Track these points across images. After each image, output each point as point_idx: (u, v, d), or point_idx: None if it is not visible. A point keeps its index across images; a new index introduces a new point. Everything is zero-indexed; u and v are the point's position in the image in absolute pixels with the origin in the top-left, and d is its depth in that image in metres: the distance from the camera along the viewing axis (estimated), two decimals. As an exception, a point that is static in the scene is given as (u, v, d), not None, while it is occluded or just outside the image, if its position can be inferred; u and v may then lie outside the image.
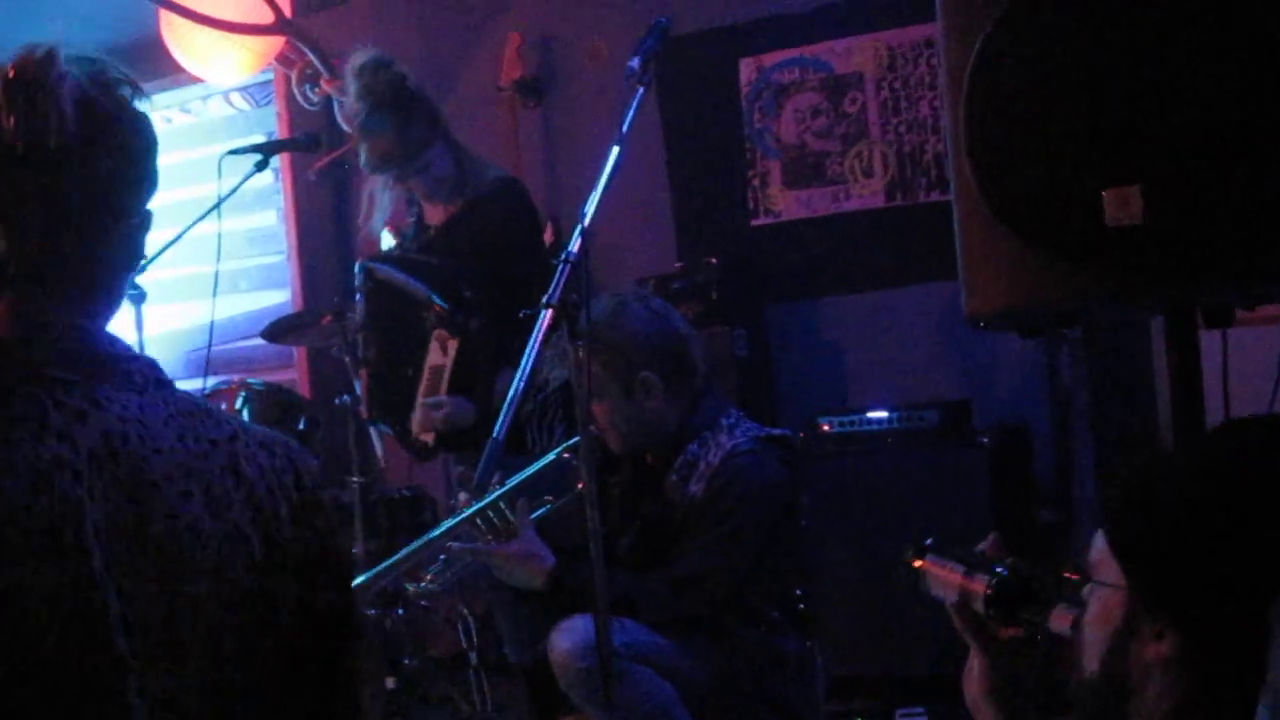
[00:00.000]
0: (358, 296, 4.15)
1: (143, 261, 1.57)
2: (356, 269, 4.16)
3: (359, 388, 4.18)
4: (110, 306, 1.52)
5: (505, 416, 2.30)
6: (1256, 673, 1.35)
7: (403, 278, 4.06)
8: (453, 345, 3.95)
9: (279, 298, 6.28)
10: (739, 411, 3.41)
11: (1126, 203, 2.01)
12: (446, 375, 3.92)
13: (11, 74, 1.44)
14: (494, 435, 2.26)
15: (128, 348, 1.49)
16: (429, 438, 3.94)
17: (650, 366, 3.29)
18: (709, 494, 3.20)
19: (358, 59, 3.98)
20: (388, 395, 4.05)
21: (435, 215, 4.23)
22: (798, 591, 3.44)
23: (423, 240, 4.22)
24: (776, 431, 3.39)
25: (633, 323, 3.31)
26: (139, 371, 1.47)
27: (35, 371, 1.40)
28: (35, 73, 1.45)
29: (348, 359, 4.28)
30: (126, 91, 1.53)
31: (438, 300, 3.93)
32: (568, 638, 3.04)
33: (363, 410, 4.10)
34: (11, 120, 1.41)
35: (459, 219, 4.17)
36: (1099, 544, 1.56)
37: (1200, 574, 1.45)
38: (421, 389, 3.95)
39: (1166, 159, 1.99)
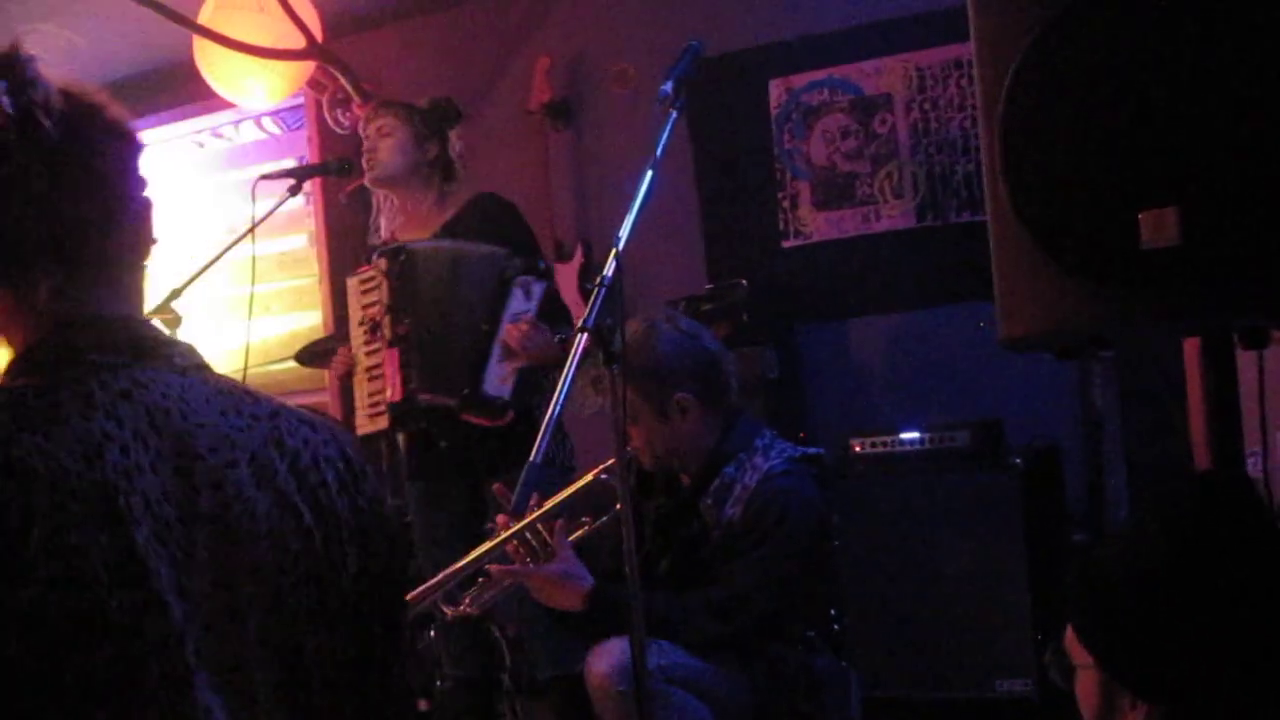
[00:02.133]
0: (374, 285, 4.15)
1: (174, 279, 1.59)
2: (375, 257, 4.15)
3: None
4: (138, 293, 1.54)
5: (543, 439, 2.30)
6: None
7: (456, 244, 4.11)
8: (538, 288, 4.00)
9: (311, 320, 6.32)
10: (772, 432, 3.41)
11: (1163, 225, 2.01)
12: (533, 318, 3.96)
13: None
14: (531, 459, 2.27)
15: (167, 334, 1.52)
16: (506, 389, 3.93)
17: (684, 387, 3.30)
18: (747, 517, 3.21)
19: None
20: (438, 362, 4.01)
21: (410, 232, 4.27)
22: (832, 612, 3.44)
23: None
24: (811, 451, 3.39)
25: (663, 345, 3.33)
26: (179, 354, 1.49)
27: (79, 356, 1.42)
28: (12, 62, 1.46)
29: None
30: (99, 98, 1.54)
31: (521, 258, 4.01)
32: (604, 660, 3.04)
33: (392, 396, 4.05)
34: (9, 105, 1.43)
35: (456, 220, 4.22)
36: (1070, 631, 1.65)
37: (1156, 643, 1.55)
38: (502, 333, 3.95)
39: (1203, 181, 1.99)
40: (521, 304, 3.98)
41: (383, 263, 4.11)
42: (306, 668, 1.46)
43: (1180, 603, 1.53)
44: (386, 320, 4.07)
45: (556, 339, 3.94)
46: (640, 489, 3.22)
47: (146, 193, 1.55)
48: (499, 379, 3.95)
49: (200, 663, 1.36)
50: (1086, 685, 1.61)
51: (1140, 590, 1.56)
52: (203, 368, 1.52)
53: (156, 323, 1.54)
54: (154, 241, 1.56)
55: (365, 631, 1.52)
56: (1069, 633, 1.64)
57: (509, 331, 3.94)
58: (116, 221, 1.50)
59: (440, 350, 4.02)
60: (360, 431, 4.12)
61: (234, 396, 1.51)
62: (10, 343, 1.47)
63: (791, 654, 3.26)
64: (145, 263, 1.55)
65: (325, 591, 1.48)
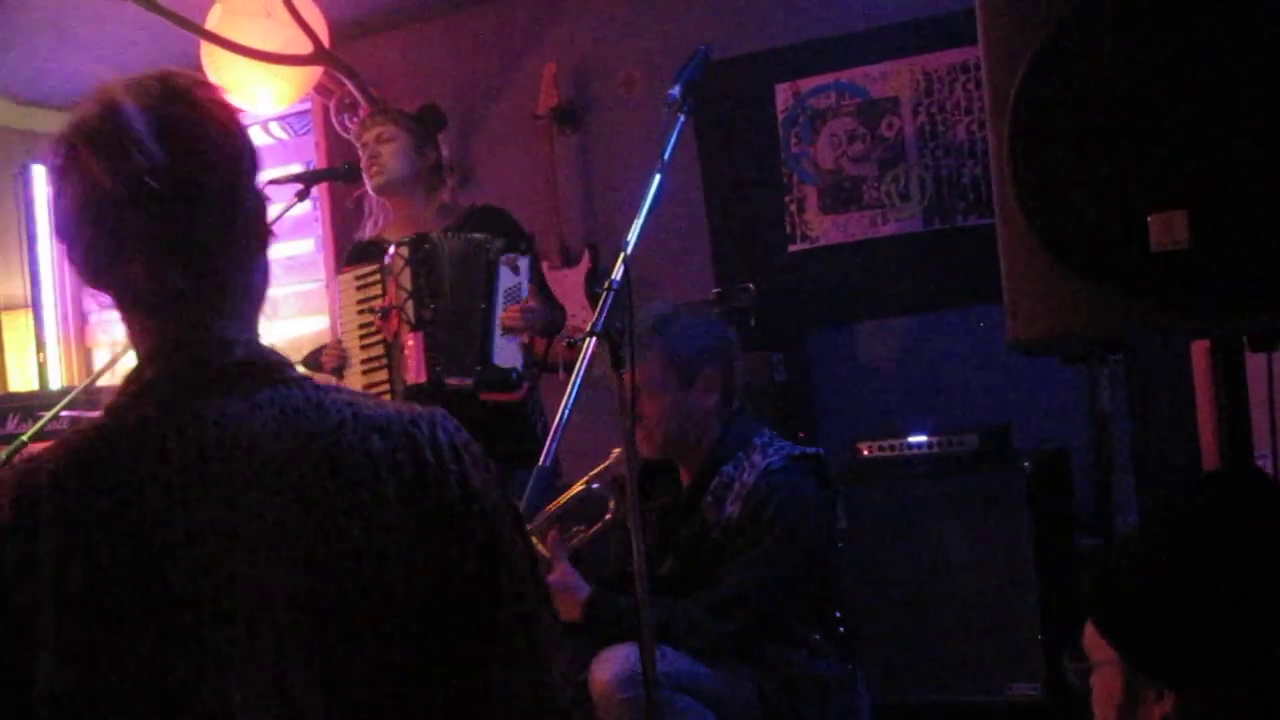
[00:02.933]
0: (374, 279, 4.24)
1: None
2: (393, 250, 4.20)
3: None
4: (247, 300, 1.58)
5: (552, 443, 2.30)
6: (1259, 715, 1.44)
7: (462, 234, 4.21)
8: (524, 263, 4.15)
9: (317, 324, 6.32)
10: (771, 431, 3.42)
11: (1172, 228, 2.01)
12: (525, 289, 4.14)
13: (79, 130, 1.50)
14: (541, 462, 2.27)
15: (251, 351, 1.54)
16: (516, 360, 4.07)
17: (713, 364, 3.35)
18: (745, 513, 3.21)
19: None
20: (455, 345, 4.11)
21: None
22: (837, 614, 3.43)
23: None
24: (810, 450, 3.39)
25: (695, 322, 3.42)
26: (254, 376, 1.52)
27: (148, 389, 1.49)
28: (100, 122, 1.50)
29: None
30: (200, 94, 1.57)
31: (504, 222, 4.24)
32: (608, 668, 3.03)
33: (415, 377, 4.11)
34: (100, 170, 1.47)
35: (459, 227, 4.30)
36: (1089, 628, 1.64)
37: (1180, 630, 1.54)
38: (499, 310, 4.10)
39: (1212, 184, 1.99)
40: (511, 279, 4.12)
41: (405, 250, 4.17)
42: (362, 687, 1.45)
43: (1202, 588, 1.53)
44: (410, 305, 4.13)
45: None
46: (640, 492, 3.22)
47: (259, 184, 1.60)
48: (506, 352, 4.08)
49: (246, 692, 1.39)
50: (1107, 681, 1.60)
51: (1161, 578, 1.56)
52: (279, 383, 1.53)
53: (260, 339, 1.58)
54: (268, 236, 1.60)
55: (452, 636, 1.51)
56: (1088, 630, 1.63)
57: (508, 311, 4.07)
58: (226, 239, 1.54)
59: (457, 334, 4.11)
60: None
61: (298, 415, 1.51)
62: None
63: (796, 657, 3.25)
64: (256, 264, 1.59)
65: (382, 606, 1.47)
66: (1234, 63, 1.98)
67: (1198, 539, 1.56)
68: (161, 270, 1.50)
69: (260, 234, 1.59)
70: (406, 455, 1.52)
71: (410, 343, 4.12)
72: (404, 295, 4.14)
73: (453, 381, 4.06)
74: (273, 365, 1.55)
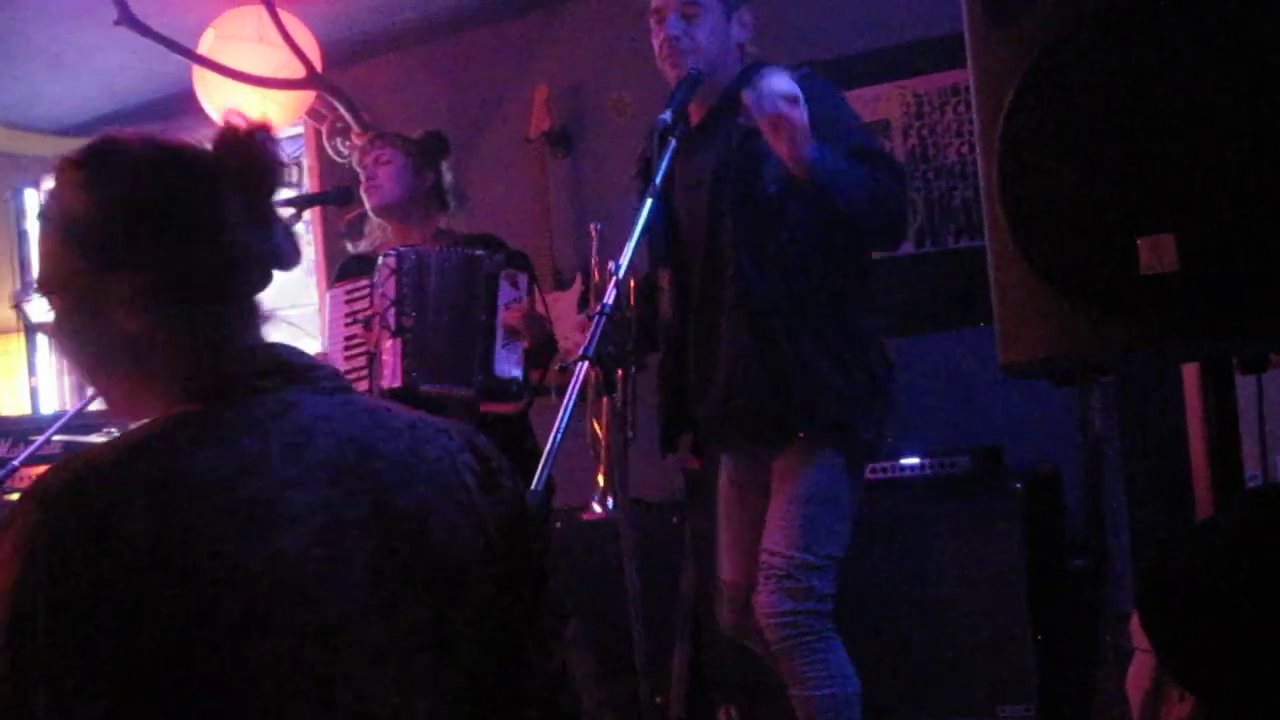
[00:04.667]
0: (364, 294, 4.25)
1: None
2: (381, 259, 4.21)
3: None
4: (260, 318, 1.70)
5: (544, 468, 2.30)
6: None
7: (455, 250, 4.23)
8: (523, 278, 4.16)
9: (309, 348, 6.31)
10: None
11: (1161, 251, 2.02)
12: (525, 303, 4.13)
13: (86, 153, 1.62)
14: (533, 486, 2.27)
15: (310, 357, 1.68)
16: (518, 370, 4.08)
17: (747, 2, 3.44)
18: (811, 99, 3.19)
19: None
20: (446, 355, 4.12)
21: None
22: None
23: None
24: None
25: None
26: (325, 378, 1.65)
27: (235, 382, 1.59)
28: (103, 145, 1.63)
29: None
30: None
31: (499, 249, 4.21)
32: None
33: (390, 382, 4.11)
34: (119, 184, 1.60)
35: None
36: (1134, 615, 1.68)
37: (1212, 643, 1.57)
38: (501, 321, 4.10)
39: (1201, 206, 2.00)
40: (511, 293, 4.12)
41: (392, 260, 4.18)
42: (456, 654, 1.57)
43: (1242, 608, 1.55)
44: (391, 313, 4.13)
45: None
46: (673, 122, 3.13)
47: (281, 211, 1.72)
48: (508, 362, 4.08)
49: (353, 653, 1.49)
50: (1142, 669, 1.66)
51: (1205, 589, 1.59)
52: (346, 389, 1.68)
53: (300, 346, 1.69)
54: (296, 259, 1.72)
55: (509, 620, 1.63)
56: (1134, 617, 1.67)
57: (508, 315, 4.08)
58: (238, 260, 1.64)
59: (452, 345, 4.12)
60: None
61: (375, 413, 1.66)
62: (165, 377, 1.60)
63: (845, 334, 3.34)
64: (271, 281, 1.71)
65: (473, 584, 1.60)
66: (1221, 85, 1.99)
67: (1249, 560, 1.58)
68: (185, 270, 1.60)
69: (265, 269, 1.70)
70: (469, 456, 1.67)
71: (388, 346, 4.13)
72: (386, 303, 4.16)
73: (432, 389, 4.06)
74: (330, 371, 1.69)
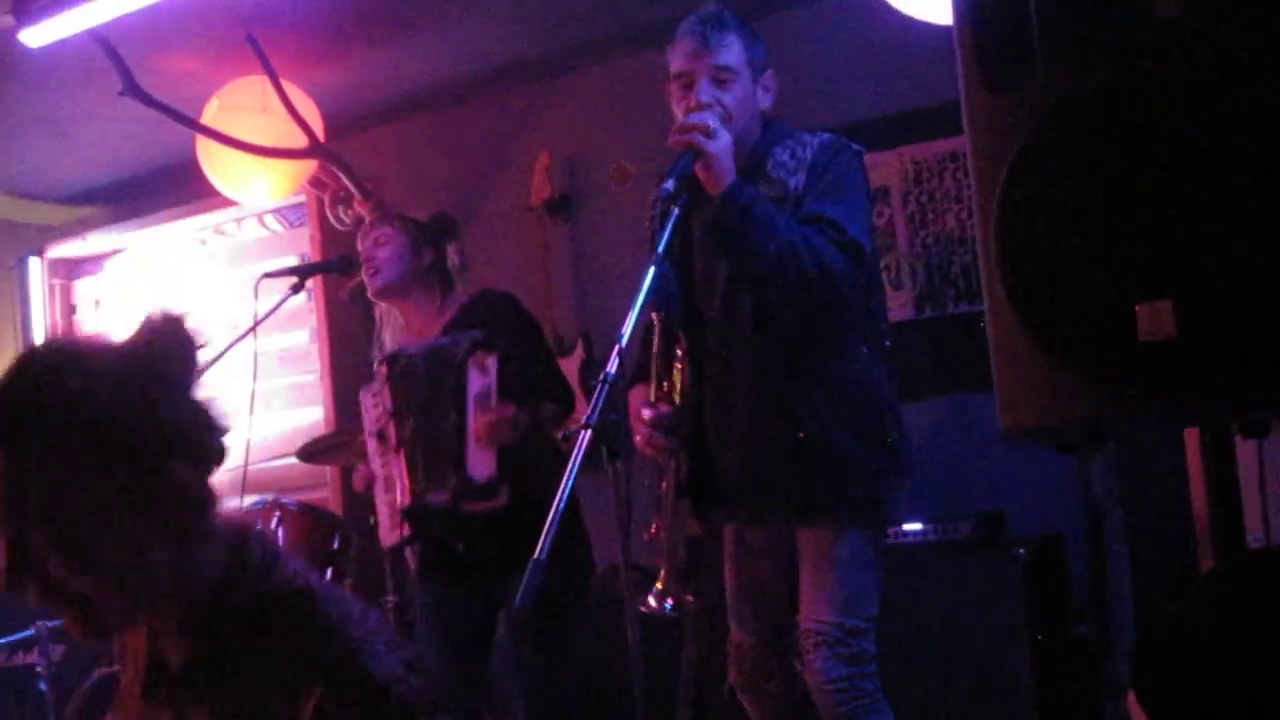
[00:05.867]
0: (375, 393, 4.20)
1: None
2: (376, 364, 4.21)
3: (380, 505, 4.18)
4: None
5: (548, 535, 2.30)
6: None
7: (429, 343, 4.15)
8: (491, 361, 4.00)
9: (312, 416, 6.33)
10: None
11: (1159, 318, 2.02)
12: (494, 390, 3.98)
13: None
14: (536, 556, 2.26)
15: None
16: (490, 469, 3.96)
17: (769, 67, 3.43)
18: (813, 175, 3.28)
19: None
20: (432, 460, 4.03)
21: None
22: (882, 326, 3.49)
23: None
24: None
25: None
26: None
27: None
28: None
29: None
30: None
31: (465, 335, 4.05)
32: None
33: (403, 501, 4.06)
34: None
35: (457, 320, 4.25)
36: (1130, 691, 1.70)
37: (1202, 716, 1.60)
38: (472, 417, 3.98)
39: (1198, 273, 2.01)
40: (479, 382, 3.99)
41: (383, 370, 4.16)
42: None
43: (1232, 678, 1.56)
44: (391, 426, 4.10)
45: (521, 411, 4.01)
46: (689, 200, 3.15)
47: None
48: (480, 462, 3.96)
49: None
50: None
51: (1194, 661, 1.60)
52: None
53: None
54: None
55: None
56: (1131, 693, 1.68)
57: (476, 425, 3.97)
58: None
59: (433, 448, 4.04)
60: (386, 544, 4.15)
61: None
62: (184, 581, 1.69)
63: (847, 368, 3.34)
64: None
65: None
66: (1216, 154, 2.01)
67: (1230, 626, 1.59)
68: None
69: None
70: None
71: (394, 462, 4.10)
72: (387, 416, 4.13)
73: (431, 498, 4.01)
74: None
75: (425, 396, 4.07)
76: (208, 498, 1.70)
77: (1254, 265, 1.97)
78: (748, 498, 3.38)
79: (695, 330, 3.39)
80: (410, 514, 4.01)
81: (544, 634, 3.98)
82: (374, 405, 4.22)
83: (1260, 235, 1.98)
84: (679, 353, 3.36)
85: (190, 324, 1.72)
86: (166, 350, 1.69)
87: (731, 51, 3.32)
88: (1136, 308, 2.04)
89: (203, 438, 1.70)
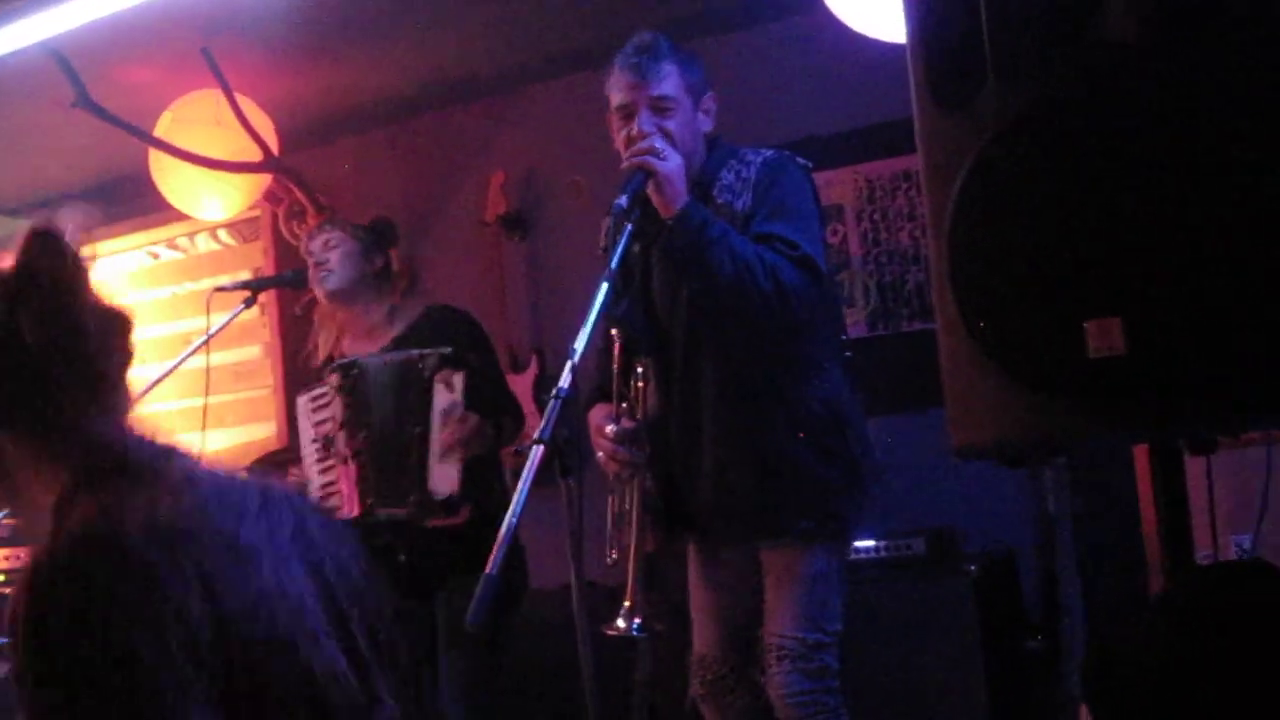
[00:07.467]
0: (325, 401, 4.17)
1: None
2: (328, 373, 4.18)
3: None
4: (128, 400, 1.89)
5: (499, 552, 2.29)
6: None
7: (387, 356, 4.13)
8: (458, 379, 3.98)
9: (264, 431, 6.29)
10: None
11: (1108, 334, 2.04)
12: (460, 407, 3.95)
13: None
14: (487, 571, 2.26)
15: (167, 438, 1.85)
16: (453, 485, 3.94)
17: (709, 89, 3.45)
18: (758, 194, 3.32)
19: None
20: (388, 474, 4.02)
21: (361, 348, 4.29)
22: (843, 337, 3.53)
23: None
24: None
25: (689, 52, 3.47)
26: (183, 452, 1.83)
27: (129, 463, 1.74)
28: None
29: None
30: None
31: (433, 350, 4.02)
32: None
33: (348, 511, 4.03)
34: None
35: (408, 334, 4.23)
36: (1082, 709, 1.72)
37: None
38: (436, 433, 3.96)
39: (1149, 290, 2.02)
40: (446, 399, 3.98)
41: (335, 378, 4.13)
42: None
43: (1186, 696, 1.55)
44: (341, 436, 4.08)
45: (489, 425, 4.00)
46: (642, 216, 3.19)
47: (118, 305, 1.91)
48: (443, 478, 3.95)
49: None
50: None
51: (1146, 675, 1.61)
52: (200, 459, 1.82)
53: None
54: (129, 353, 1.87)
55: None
56: (1083, 707, 1.67)
57: (444, 435, 3.95)
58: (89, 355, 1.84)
59: (392, 462, 4.02)
60: None
61: (231, 481, 1.81)
62: (44, 483, 1.72)
63: (814, 390, 3.36)
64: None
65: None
66: (1167, 170, 2.02)
67: (1190, 646, 1.59)
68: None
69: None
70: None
71: (343, 473, 4.08)
72: (336, 425, 4.11)
73: (386, 511, 3.99)
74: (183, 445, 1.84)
75: (387, 409, 4.05)
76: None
77: (1201, 283, 1.99)
78: (717, 520, 3.39)
79: (661, 354, 3.40)
80: (359, 524, 3.97)
81: (476, 649, 3.97)
82: (317, 412, 4.19)
83: (1207, 254, 1.99)
84: (639, 370, 3.36)
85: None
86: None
87: (669, 81, 3.33)
88: (1086, 324, 2.05)
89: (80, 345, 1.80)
